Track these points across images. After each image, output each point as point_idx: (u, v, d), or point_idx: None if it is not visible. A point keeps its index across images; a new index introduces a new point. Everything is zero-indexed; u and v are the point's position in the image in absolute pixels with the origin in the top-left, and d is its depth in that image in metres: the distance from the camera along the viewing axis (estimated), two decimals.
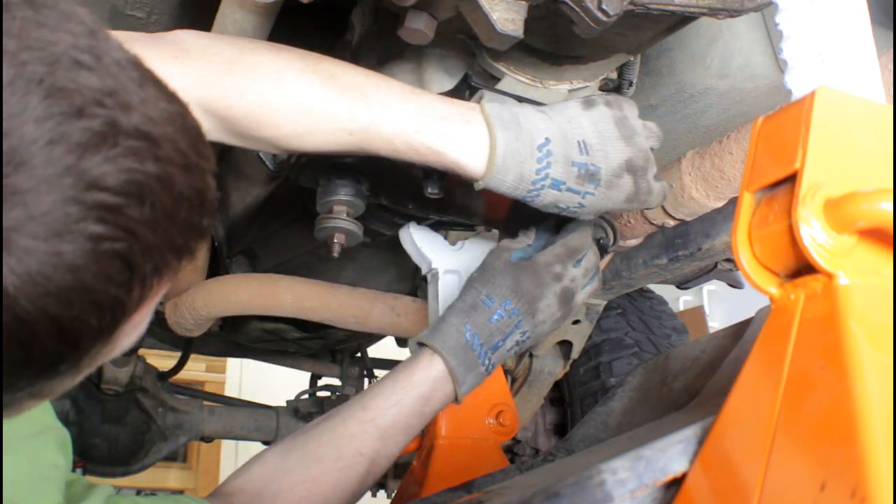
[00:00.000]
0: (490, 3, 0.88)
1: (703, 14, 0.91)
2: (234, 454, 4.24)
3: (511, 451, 2.05)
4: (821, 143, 0.60)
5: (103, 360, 0.58)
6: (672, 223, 1.32)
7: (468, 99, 1.08)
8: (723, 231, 1.18)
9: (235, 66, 0.92)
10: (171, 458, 3.50)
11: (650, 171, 1.00)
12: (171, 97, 0.56)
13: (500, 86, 1.09)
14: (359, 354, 2.50)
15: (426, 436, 1.36)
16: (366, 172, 1.17)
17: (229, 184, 1.65)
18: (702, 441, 0.62)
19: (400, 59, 1.18)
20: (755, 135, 0.67)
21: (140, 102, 0.52)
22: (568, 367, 1.82)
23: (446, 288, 1.24)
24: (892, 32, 1.21)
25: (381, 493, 2.39)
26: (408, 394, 1.03)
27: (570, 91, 1.11)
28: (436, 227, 1.30)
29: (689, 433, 0.63)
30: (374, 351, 2.54)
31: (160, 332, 1.97)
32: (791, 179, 0.60)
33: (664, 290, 2.29)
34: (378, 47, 1.20)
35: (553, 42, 1.02)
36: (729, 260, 1.52)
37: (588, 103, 0.99)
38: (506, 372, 1.75)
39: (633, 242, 1.38)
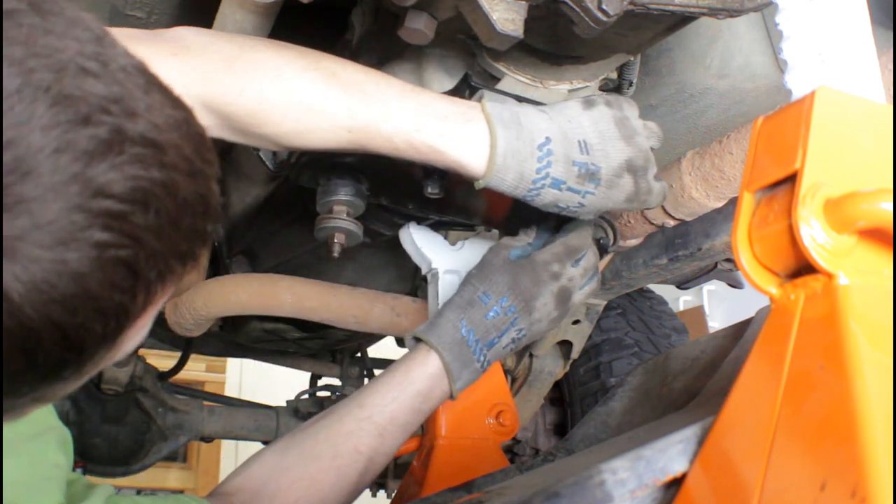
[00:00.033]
0: (490, 3, 0.88)
1: (703, 14, 0.91)
2: (234, 454, 4.24)
3: (511, 451, 2.05)
4: (821, 143, 0.60)
5: (106, 364, 0.58)
6: (672, 223, 1.32)
7: (468, 99, 1.08)
8: (723, 231, 1.18)
9: (235, 63, 0.92)
10: (171, 458, 3.50)
11: (650, 170, 1.00)
12: (176, 103, 0.56)
13: (500, 86, 1.09)
14: (359, 354, 2.50)
15: (426, 436, 1.36)
16: (366, 172, 1.17)
17: (229, 184, 1.65)
18: (702, 441, 0.62)
19: (400, 59, 1.18)
20: (755, 135, 0.67)
21: (146, 109, 0.52)
22: (568, 367, 1.82)
23: (446, 288, 1.24)
24: (892, 32, 1.21)
25: (381, 493, 2.39)
26: (405, 391, 1.03)
27: (570, 91, 1.11)
28: (436, 227, 1.30)
29: (689, 433, 0.63)
30: (374, 351, 2.54)
31: (160, 332, 1.97)
32: (791, 179, 0.60)
33: (664, 290, 2.29)
34: (378, 47, 1.20)
35: (553, 42, 1.02)
36: (729, 260, 1.52)
37: (588, 103, 0.99)
38: (506, 372, 1.75)
39: (633, 242, 1.38)
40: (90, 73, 0.50)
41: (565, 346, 1.75)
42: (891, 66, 1.12)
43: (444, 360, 1.03)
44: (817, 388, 0.54)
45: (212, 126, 0.94)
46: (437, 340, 1.04)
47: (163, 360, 2.35)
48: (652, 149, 1.01)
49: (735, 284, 1.84)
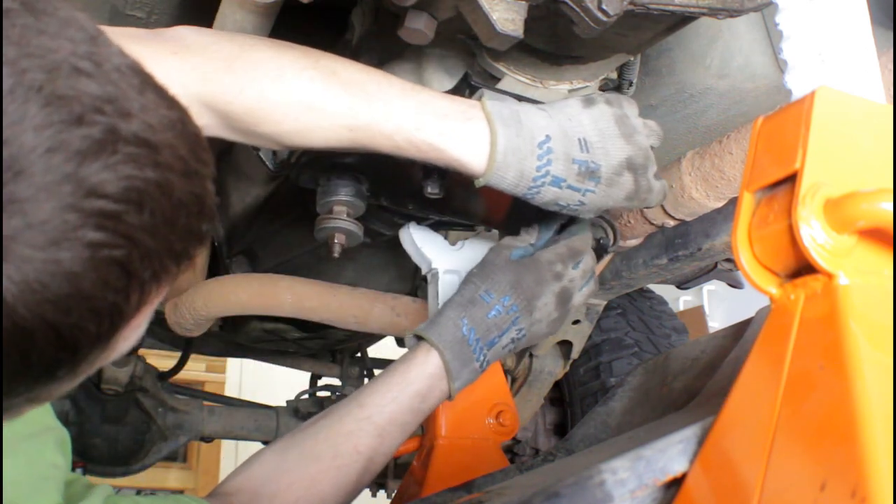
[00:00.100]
0: (490, 3, 0.88)
1: (703, 14, 0.91)
2: (234, 454, 4.24)
3: (511, 451, 2.05)
4: (821, 143, 0.60)
5: (102, 363, 0.58)
6: (672, 223, 1.32)
7: (468, 98, 1.08)
8: (723, 231, 1.18)
9: (235, 62, 0.92)
10: (171, 458, 3.50)
11: (650, 169, 1.00)
12: (171, 103, 0.56)
13: (499, 85, 1.09)
14: (359, 354, 2.50)
15: (426, 436, 1.36)
16: (366, 172, 1.17)
17: (229, 184, 1.65)
18: (702, 441, 0.62)
19: (400, 58, 1.18)
20: (755, 135, 0.67)
21: (140, 109, 0.52)
22: (568, 367, 1.82)
23: (446, 288, 1.24)
24: (892, 32, 1.21)
25: (382, 493, 2.39)
26: (404, 391, 1.03)
27: (569, 91, 1.11)
28: (436, 227, 1.30)
29: (689, 433, 0.63)
30: (374, 351, 2.54)
31: (160, 332, 1.97)
32: (791, 179, 0.60)
33: (664, 290, 2.29)
34: (378, 47, 1.20)
35: (553, 42, 1.02)
36: (729, 260, 1.52)
37: (588, 101, 0.99)
38: (506, 372, 1.75)
39: (633, 242, 1.38)
40: (83, 73, 0.50)
41: (565, 346, 1.75)
42: (891, 66, 1.12)
43: (444, 358, 1.03)
44: (817, 388, 0.54)
45: (212, 125, 0.94)
46: (438, 338, 1.04)
47: (163, 360, 2.35)
48: (652, 147, 1.01)
49: (735, 284, 1.84)
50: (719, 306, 4.32)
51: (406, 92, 0.95)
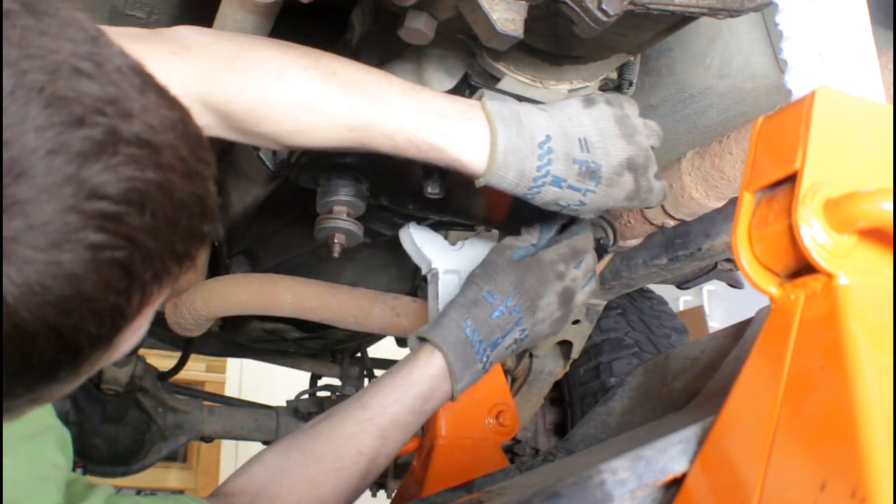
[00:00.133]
0: (490, 3, 0.88)
1: (703, 14, 0.91)
2: (234, 454, 4.24)
3: (511, 451, 2.05)
4: (821, 143, 0.60)
5: (103, 364, 0.58)
6: (672, 223, 1.32)
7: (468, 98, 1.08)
8: (723, 231, 1.18)
9: (235, 62, 0.92)
10: (171, 458, 3.50)
11: (651, 169, 1.00)
12: (172, 103, 0.56)
13: (500, 86, 1.09)
14: (359, 354, 2.50)
15: (426, 436, 1.36)
16: (366, 172, 1.17)
17: (229, 184, 1.65)
18: (702, 441, 0.62)
19: (400, 58, 1.18)
20: (755, 135, 0.67)
21: (141, 110, 0.52)
22: (568, 367, 1.82)
23: (446, 288, 1.24)
24: (892, 32, 1.21)
25: (381, 493, 2.39)
26: (406, 392, 1.03)
27: (570, 91, 1.11)
28: (436, 227, 1.30)
29: (689, 433, 0.63)
30: (374, 351, 2.54)
31: (160, 332, 1.97)
32: (791, 179, 0.60)
33: (664, 290, 2.29)
34: (378, 47, 1.20)
35: (553, 42, 1.02)
36: (729, 260, 1.52)
37: (589, 101, 0.99)
38: (506, 372, 1.75)
39: (633, 242, 1.38)
40: (84, 74, 0.50)
41: (565, 346, 1.75)
42: (891, 66, 1.12)
43: (447, 360, 1.03)
44: (817, 388, 0.54)
45: (212, 125, 0.94)
46: (442, 340, 1.04)
47: (163, 360, 2.35)
48: (652, 148, 1.01)
49: (735, 284, 1.84)
50: (719, 306, 4.33)
51: (406, 92, 0.95)
